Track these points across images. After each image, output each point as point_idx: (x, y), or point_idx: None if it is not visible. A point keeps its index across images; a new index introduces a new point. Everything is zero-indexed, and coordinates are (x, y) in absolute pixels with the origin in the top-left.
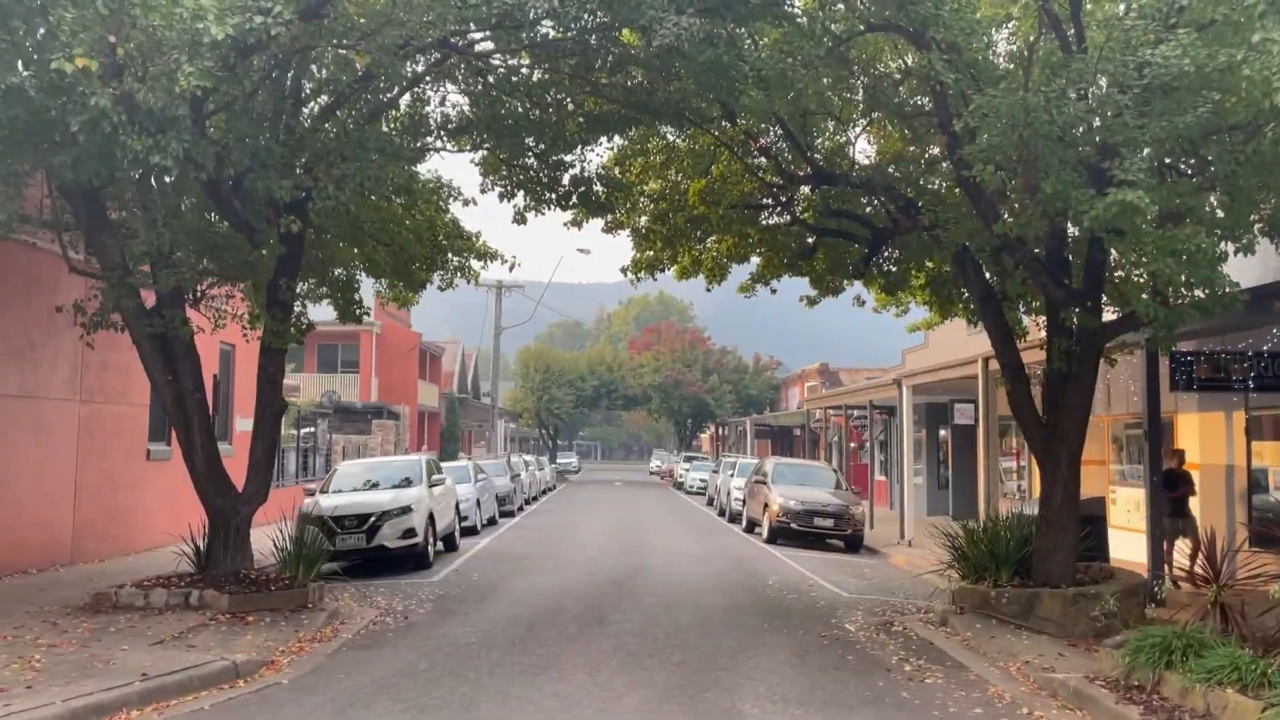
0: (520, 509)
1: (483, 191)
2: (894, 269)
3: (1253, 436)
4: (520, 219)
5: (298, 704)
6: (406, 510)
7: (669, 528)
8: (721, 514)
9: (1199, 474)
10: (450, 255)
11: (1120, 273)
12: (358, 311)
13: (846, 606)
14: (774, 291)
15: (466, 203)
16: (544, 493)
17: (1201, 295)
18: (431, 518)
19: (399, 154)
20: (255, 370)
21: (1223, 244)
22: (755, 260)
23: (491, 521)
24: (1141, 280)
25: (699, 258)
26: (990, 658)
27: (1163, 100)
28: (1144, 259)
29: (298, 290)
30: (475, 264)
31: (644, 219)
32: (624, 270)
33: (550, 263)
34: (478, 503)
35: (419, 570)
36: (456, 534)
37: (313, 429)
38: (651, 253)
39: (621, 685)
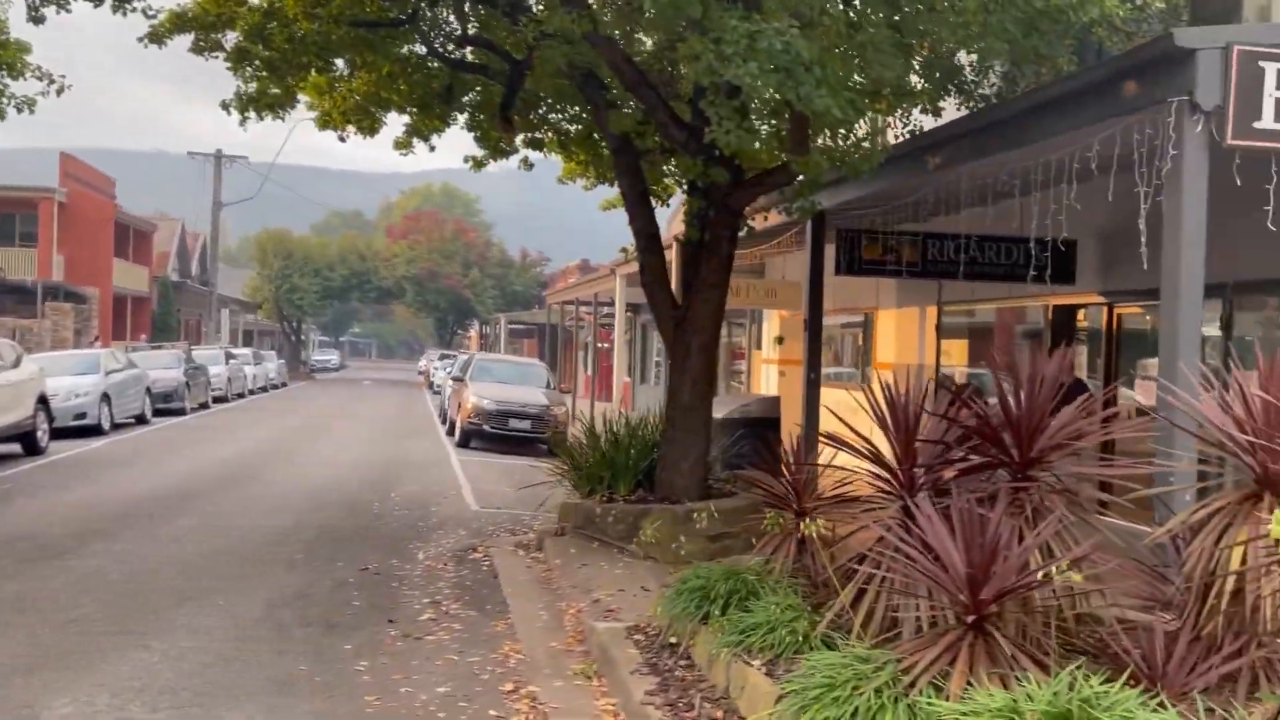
0: (205, 406)
1: None
2: (574, 125)
3: (943, 335)
4: (35, 16)
5: None
6: None
7: (364, 430)
8: (442, 416)
9: (890, 374)
10: None
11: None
12: None
13: (454, 525)
14: (433, 149)
15: None
16: (262, 390)
17: (842, 144)
18: None
19: None
20: None
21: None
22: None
23: (141, 420)
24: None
25: (340, 102)
26: (559, 595)
27: None
28: (725, 64)
29: None
30: None
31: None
32: (225, 106)
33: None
34: (104, 397)
35: None
36: (38, 435)
37: None
38: (259, 85)
39: None
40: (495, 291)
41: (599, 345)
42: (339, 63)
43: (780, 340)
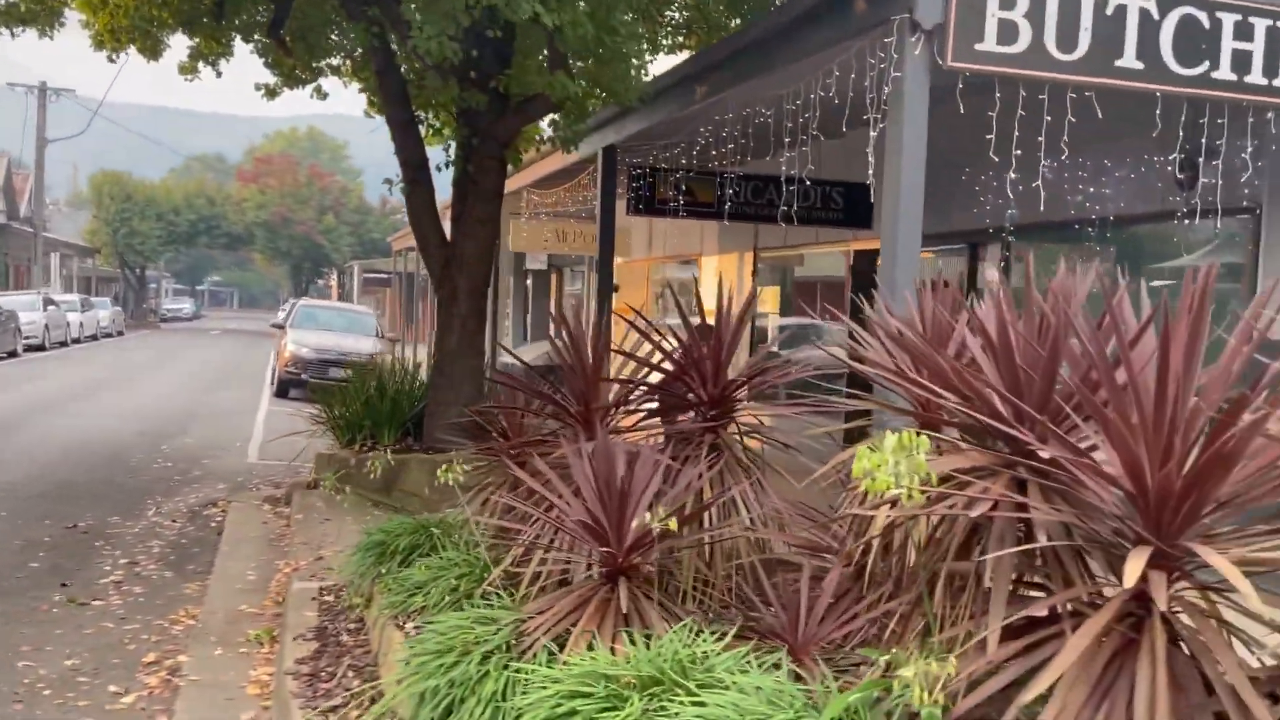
0: (13, 354)
1: None
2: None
3: (760, 281)
4: None
5: None
6: None
7: (179, 380)
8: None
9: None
10: None
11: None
12: None
13: (217, 479)
14: (219, 75)
15: None
16: (91, 338)
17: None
18: None
19: None
20: None
21: None
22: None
23: None
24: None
25: (111, 19)
26: (284, 553)
27: None
28: None
29: None
30: None
31: None
32: None
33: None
34: None
35: None
36: None
37: None
38: None
39: None
40: (352, 239)
41: None
42: None
43: (616, 288)
